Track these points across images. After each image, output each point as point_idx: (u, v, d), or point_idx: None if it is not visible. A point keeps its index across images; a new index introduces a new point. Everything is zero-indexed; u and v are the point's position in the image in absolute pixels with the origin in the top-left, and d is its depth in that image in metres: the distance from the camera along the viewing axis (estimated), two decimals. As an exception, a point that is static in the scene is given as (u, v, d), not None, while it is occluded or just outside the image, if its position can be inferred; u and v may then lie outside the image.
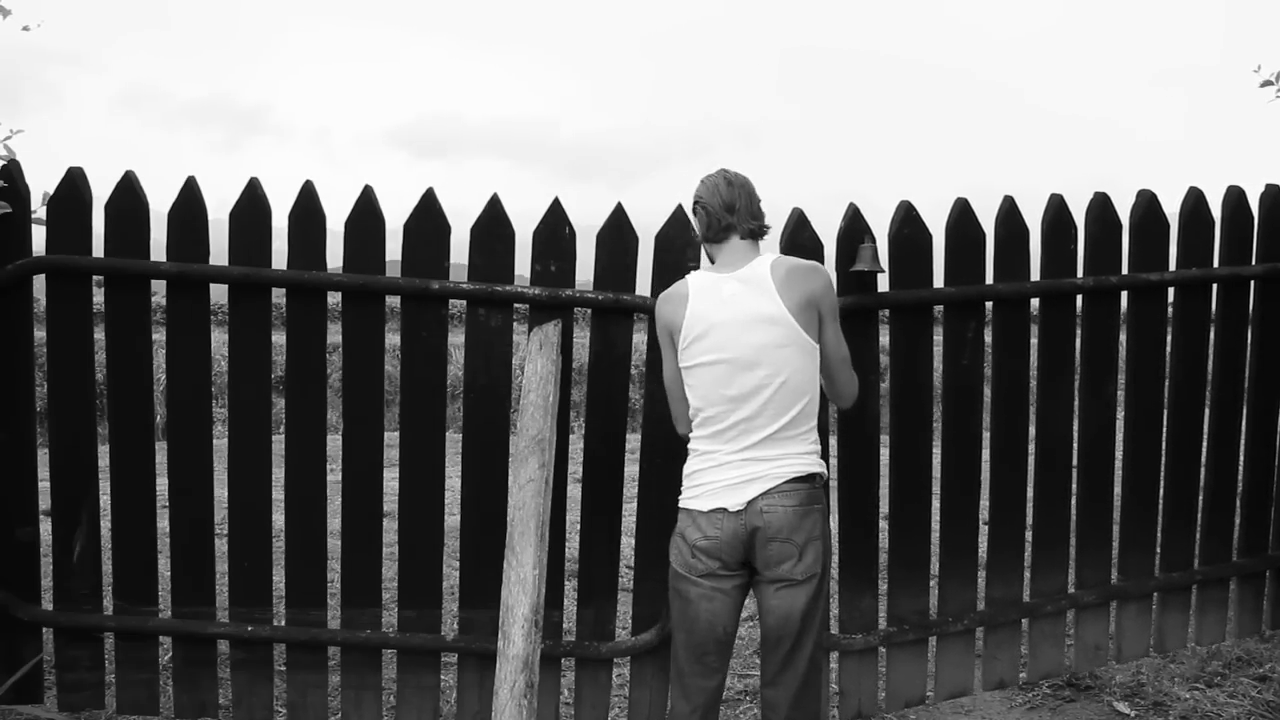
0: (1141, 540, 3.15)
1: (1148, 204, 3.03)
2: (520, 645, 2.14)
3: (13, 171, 2.58)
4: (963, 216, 2.87)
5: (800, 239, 2.71)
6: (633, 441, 4.32)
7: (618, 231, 2.67)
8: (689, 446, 2.24)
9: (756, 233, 2.23)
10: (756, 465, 2.12)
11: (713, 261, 2.26)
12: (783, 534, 2.10)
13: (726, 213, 2.20)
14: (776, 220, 2.38)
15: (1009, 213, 2.91)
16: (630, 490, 4.14)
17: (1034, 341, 2.99)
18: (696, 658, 2.19)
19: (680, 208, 2.64)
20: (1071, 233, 2.95)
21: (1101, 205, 2.99)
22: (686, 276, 2.24)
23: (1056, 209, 2.93)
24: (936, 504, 2.97)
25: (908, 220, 2.82)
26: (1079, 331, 3.04)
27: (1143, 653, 3.20)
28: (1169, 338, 3.11)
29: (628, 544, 3.27)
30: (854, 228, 2.75)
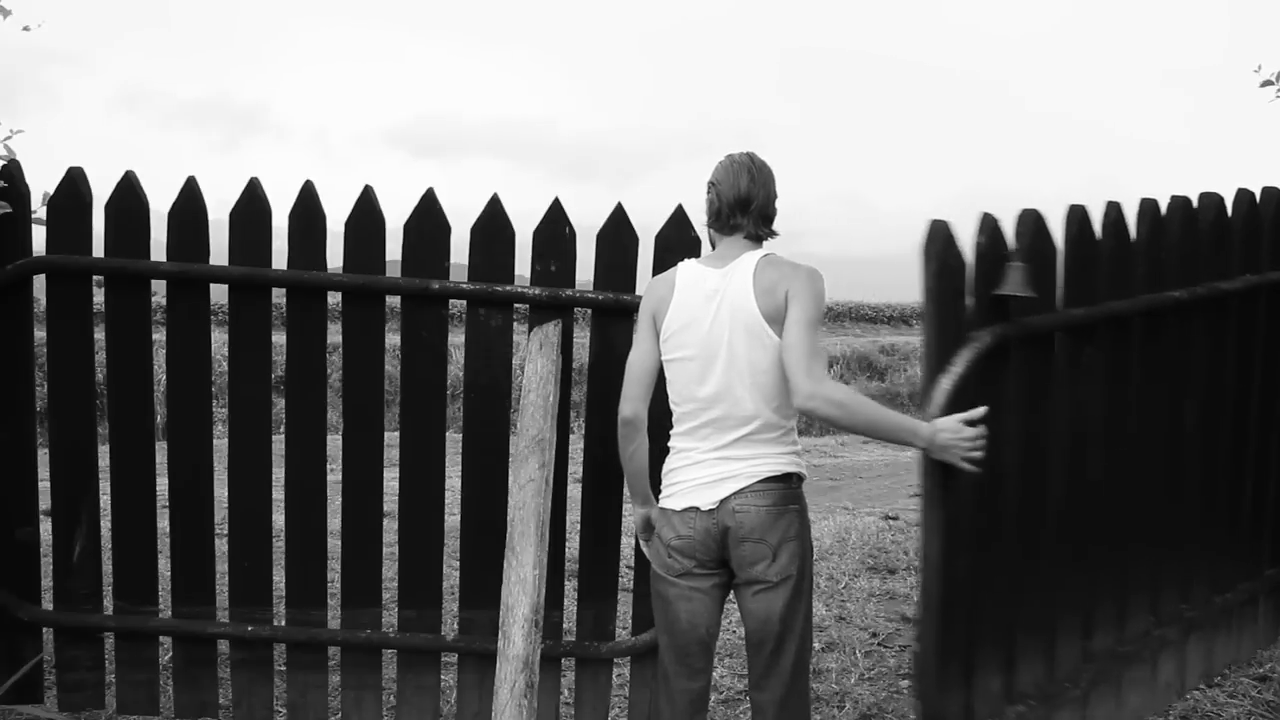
0: (1200, 565, 2.96)
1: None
2: (520, 645, 2.14)
3: (13, 171, 2.58)
4: (1083, 229, 2.51)
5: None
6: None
7: (618, 231, 2.66)
8: (668, 444, 2.21)
9: (763, 238, 2.17)
10: (730, 464, 2.08)
11: (713, 247, 2.22)
12: (755, 534, 2.05)
13: (739, 210, 2.12)
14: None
15: (1115, 222, 2.60)
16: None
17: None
18: (680, 659, 2.18)
19: (680, 208, 2.64)
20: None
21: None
22: (679, 264, 2.20)
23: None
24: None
25: (1036, 232, 2.41)
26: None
27: (1197, 682, 2.99)
28: None
29: (627, 544, 3.26)
30: (995, 243, 2.31)
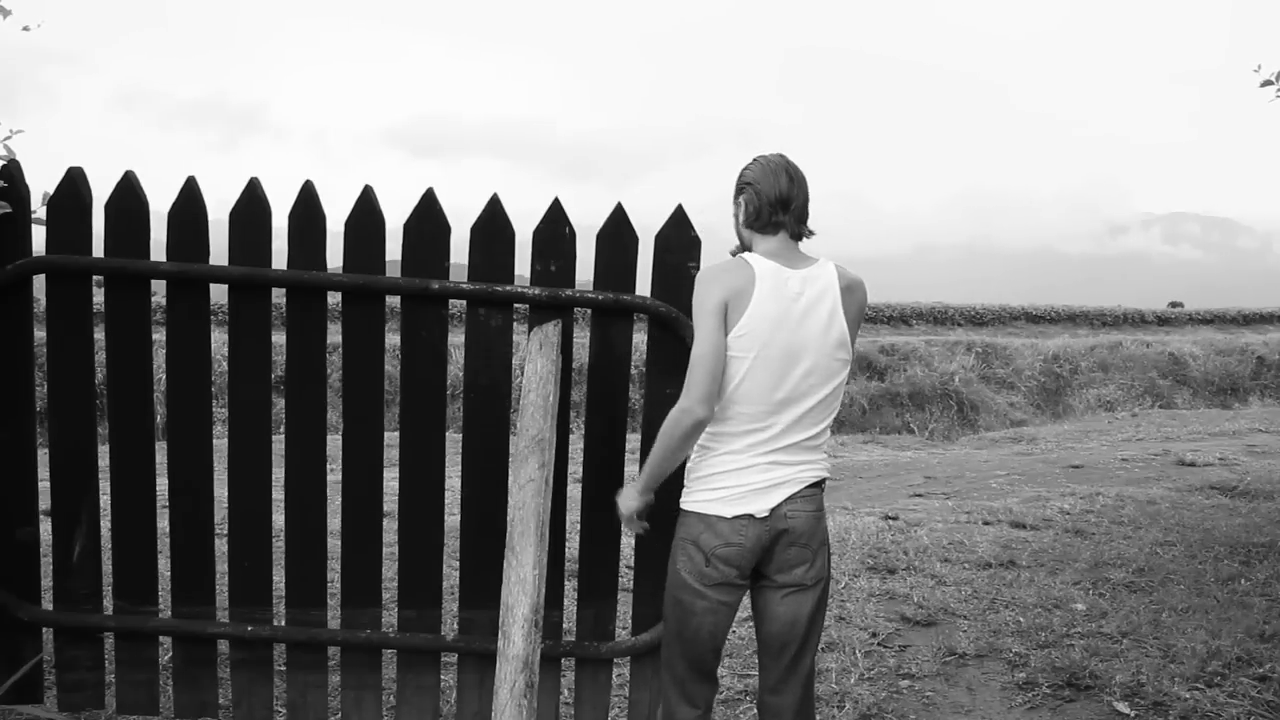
0: None
1: None
2: (520, 645, 2.14)
3: (13, 171, 2.58)
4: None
5: None
6: (633, 441, 4.31)
7: (618, 231, 2.65)
8: (702, 444, 2.12)
9: (803, 236, 2.15)
10: (781, 469, 2.07)
11: (748, 248, 2.15)
12: (803, 539, 2.09)
13: (780, 208, 2.10)
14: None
15: None
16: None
17: None
18: (695, 666, 2.16)
19: (680, 208, 2.63)
20: None
21: None
22: (744, 256, 2.10)
23: None
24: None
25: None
26: None
27: None
28: None
29: (627, 544, 3.26)
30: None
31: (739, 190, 2.17)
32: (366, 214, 2.61)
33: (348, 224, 2.61)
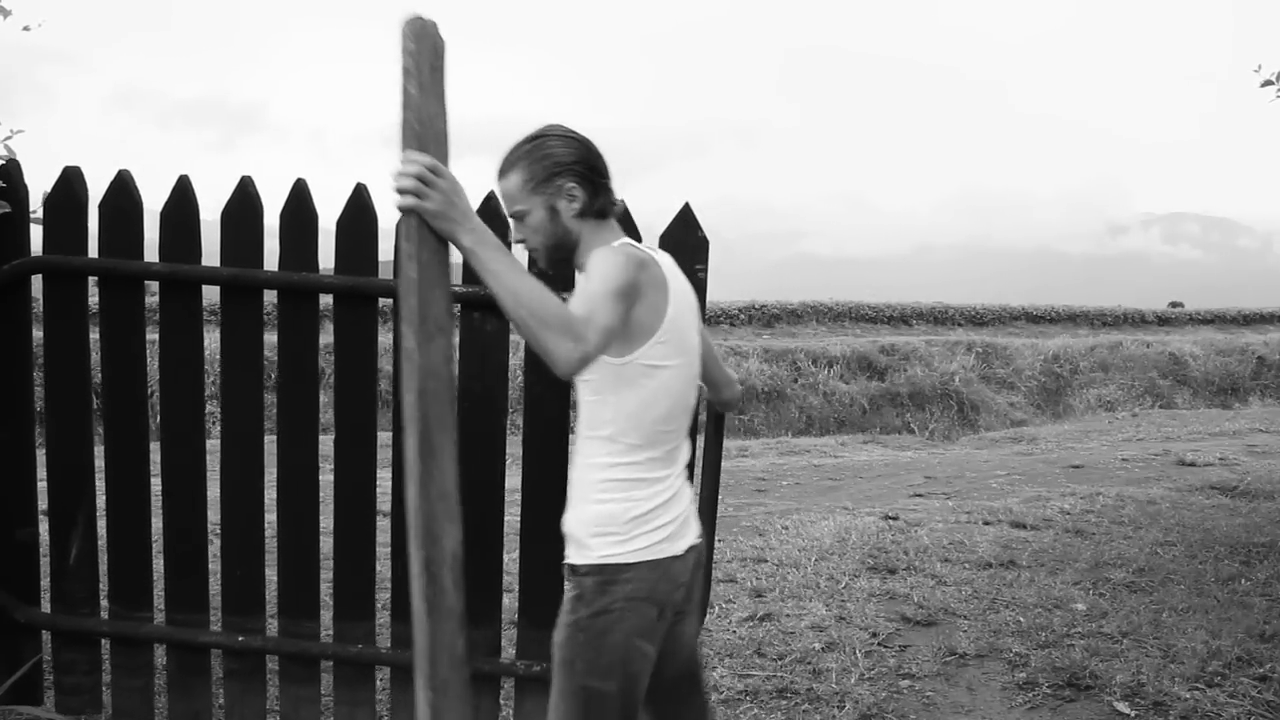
0: None
1: None
2: (454, 595, 1.61)
3: (11, 171, 2.57)
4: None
5: None
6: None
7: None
8: (632, 476, 1.72)
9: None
10: (686, 486, 1.84)
11: (574, 247, 1.75)
12: (701, 555, 1.90)
13: (611, 187, 1.76)
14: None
15: None
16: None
17: None
18: (634, 709, 1.77)
19: (687, 206, 2.50)
20: None
21: None
22: (640, 246, 1.76)
23: None
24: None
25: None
26: None
27: None
28: None
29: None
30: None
31: (551, 174, 1.69)
32: (359, 213, 2.54)
33: (339, 223, 2.54)
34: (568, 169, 1.70)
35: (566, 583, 1.77)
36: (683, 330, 1.74)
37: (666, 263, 1.77)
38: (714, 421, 2.36)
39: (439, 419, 1.48)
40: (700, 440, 2.46)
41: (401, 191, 1.46)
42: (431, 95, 1.49)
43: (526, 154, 1.71)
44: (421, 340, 1.47)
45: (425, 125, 1.48)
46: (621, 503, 1.72)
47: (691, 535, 1.81)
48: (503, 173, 1.74)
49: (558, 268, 1.81)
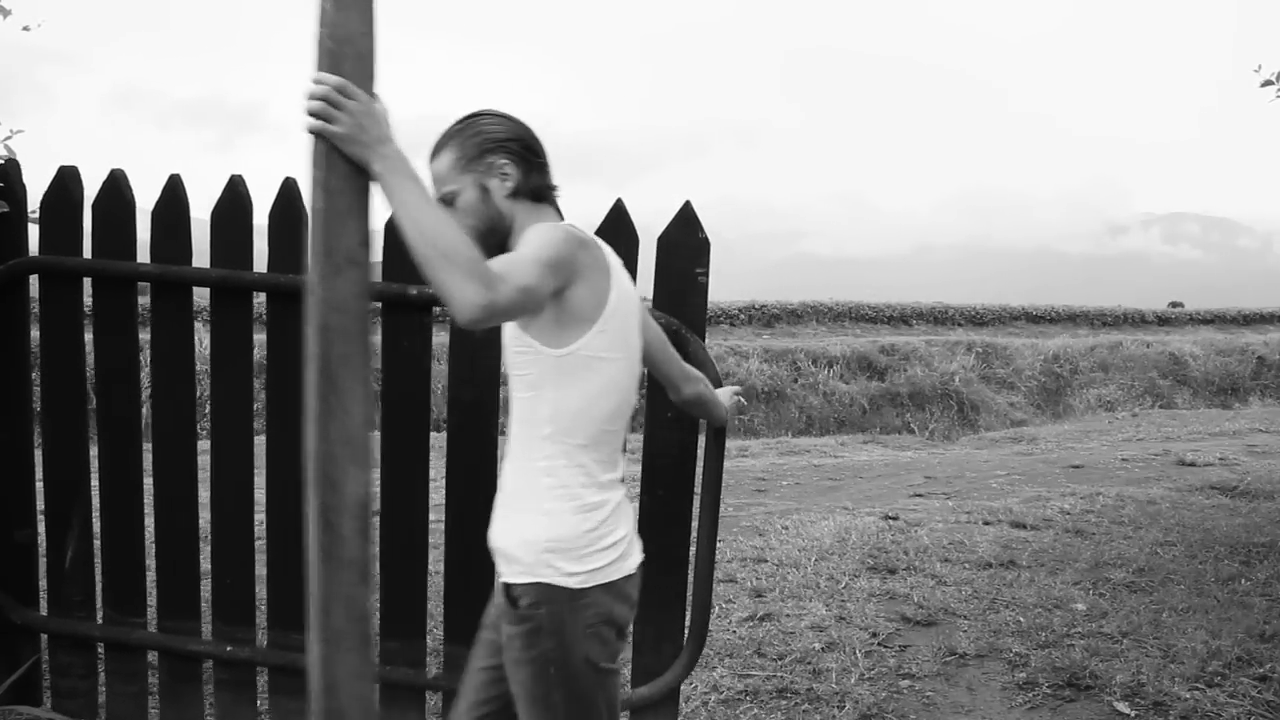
0: None
1: None
2: (354, 543, 1.41)
3: (10, 171, 2.57)
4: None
5: None
6: (633, 442, 4.31)
7: (617, 229, 2.42)
8: (568, 480, 1.58)
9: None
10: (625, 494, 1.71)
11: (509, 232, 1.64)
12: None
13: (546, 165, 1.67)
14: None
15: None
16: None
17: None
18: None
19: (688, 205, 2.42)
20: None
21: None
22: (570, 223, 1.64)
23: None
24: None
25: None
26: None
27: None
28: None
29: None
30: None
31: (482, 151, 1.60)
32: (287, 206, 2.47)
33: (269, 217, 2.47)
34: (500, 145, 1.60)
35: (510, 608, 1.59)
36: (626, 323, 1.63)
37: (610, 253, 1.65)
38: (714, 435, 2.33)
39: (343, 357, 1.38)
40: (700, 451, 2.43)
41: (311, 115, 1.35)
42: (352, 10, 1.36)
43: (458, 133, 1.62)
44: (326, 273, 1.37)
45: (341, 43, 1.35)
46: (573, 514, 1.57)
47: (638, 549, 1.69)
48: (433, 154, 1.64)
49: (491, 254, 1.53)
